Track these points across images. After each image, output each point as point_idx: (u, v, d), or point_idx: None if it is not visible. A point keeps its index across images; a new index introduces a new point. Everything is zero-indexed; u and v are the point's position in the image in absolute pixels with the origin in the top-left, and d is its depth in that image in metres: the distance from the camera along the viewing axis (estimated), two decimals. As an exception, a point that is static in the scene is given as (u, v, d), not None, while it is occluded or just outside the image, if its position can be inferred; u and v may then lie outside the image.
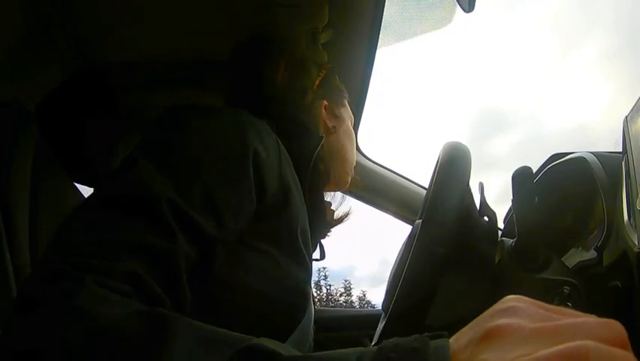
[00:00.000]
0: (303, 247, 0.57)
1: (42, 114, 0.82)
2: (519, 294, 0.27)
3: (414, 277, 0.59)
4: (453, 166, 0.65)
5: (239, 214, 0.49)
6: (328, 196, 0.85)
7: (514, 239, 0.68)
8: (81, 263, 0.38)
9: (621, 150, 0.63)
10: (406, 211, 1.36)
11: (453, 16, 0.95)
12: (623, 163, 0.61)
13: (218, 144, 0.50)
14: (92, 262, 0.38)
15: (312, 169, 0.64)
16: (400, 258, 0.85)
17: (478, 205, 0.72)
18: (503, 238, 0.71)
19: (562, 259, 0.70)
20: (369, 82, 1.05)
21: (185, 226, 0.44)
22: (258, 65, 0.72)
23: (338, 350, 0.31)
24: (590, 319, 0.23)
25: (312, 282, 0.67)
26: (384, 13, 0.88)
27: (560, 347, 0.21)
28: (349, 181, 0.82)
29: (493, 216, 0.71)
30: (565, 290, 0.62)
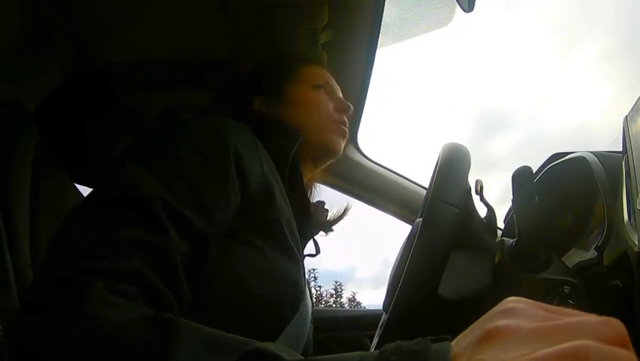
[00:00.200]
0: (290, 239, 0.59)
1: (42, 114, 0.82)
2: (519, 294, 0.27)
3: (414, 277, 0.59)
4: (452, 167, 0.65)
5: (226, 209, 0.51)
6: (321, 196, 0.87)
7: (514, 239, 0.68)
8: (86, 266, 0.39)
9: (621, 150, 0.63)
10: (406, 211, 1.36)
11: (453, 16, 0.95)
12: (623, 163, 0.61)
13: (200, 145, 0.53)
14: (96, 264, 0.40)
15: (290, 166, 0.67)
16: (400, 258, 0.85)
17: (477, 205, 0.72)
18: (503, 238, 0.71)
19: (562, 258, 0.70)
20: (369, 82, 1.05)
21: (178, 223, 0.46)
22: (242, 102, 0.78)
23: (340, 354, 0.31)
24: (590, 318, 0.23)
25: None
26: (384, 13, 0.88)
27: (559, 346, 0.21)
28: (334, 142, 0.77)
29: (491, 209, 0.71)
30: (565, 290, 0.61)
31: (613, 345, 0.21)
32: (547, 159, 0.83)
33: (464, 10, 0.77)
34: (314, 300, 0.79)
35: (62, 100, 0.85)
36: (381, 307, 0.79)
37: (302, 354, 0.58)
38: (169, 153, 0.51)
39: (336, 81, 1.02)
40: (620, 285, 0.58)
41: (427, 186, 0.90)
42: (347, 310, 2.97)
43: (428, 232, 0.60)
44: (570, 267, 0.67)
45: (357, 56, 0.97)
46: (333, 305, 11.40)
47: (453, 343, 0.27)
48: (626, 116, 0.64)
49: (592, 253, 0.65)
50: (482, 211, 0.74)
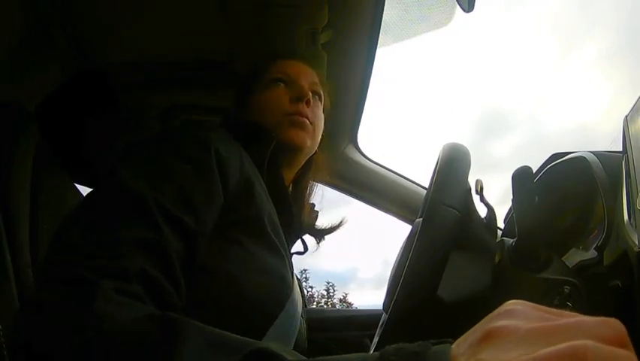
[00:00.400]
0: (273, 235, 0.61)
1: (42, 114, 0.82)
2: (519, 294, 0.27)
3: (414, 278, 0.59)
4: (452, 167, 0.65)
5: (211, 209, 0.54)
6: (312, 199, 0.87)
7: (514, 239, 0.68)
8: (92, 266, 0.40)
9: (620, 150, 0.63)
10: (406, 211, 1.36)
11: (453, 16, 0.95)
12: (623, 163, 0.61)
13: (186, 152, 0.56)
14: (101, 263, 0.41)
15: (268, 166, 0.68)
16: (400, 258, 0.85)
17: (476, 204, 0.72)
18: (503, 238, 0.71)
19: (562, 258, 0.70)
20: (369, 82, 1.05)
21: (171, 222, 0.48)
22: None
23: (341, 355, 0.31)
24: (589, 318, 0.23)
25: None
26: (385, 13, 0.88)
27: (558, 346, 0.21)
28: (290, 136, 0.73)
29: (491, 209, 0.71)
30: (565, 290, 0.61)
31: (612, 345, 0.21)
32: (547, 159, 0.83)
33: (464, 10, 0.78)
34: (305, 300, 0.79)
35: (62, 100, 0.85)
36: (372, 307, 0.79)
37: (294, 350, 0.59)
38: (159, 160, 0.55)
39: (336, 81, 1.02)
40: (620, 285, 0.58)
41: (427, 186, 0.90)
42: (347, 310, 2.97)
43: (428, 233, 0.60)
44: (570, 267, 0.67)
45: (357, 56, 0.97)
46: (325, 306, 11.41)
47: (454, 344, 0.27)
48: (626, 116, 0.64)
49: (592, 253, 0.65)
50: (482, 211, 0.74)
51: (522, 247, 0.66)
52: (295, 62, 0.80)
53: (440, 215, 0.60)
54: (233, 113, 0.81)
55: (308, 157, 0.81)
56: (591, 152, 0.72)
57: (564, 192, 0.79)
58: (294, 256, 0.80)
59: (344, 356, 0.31)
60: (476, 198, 0.72)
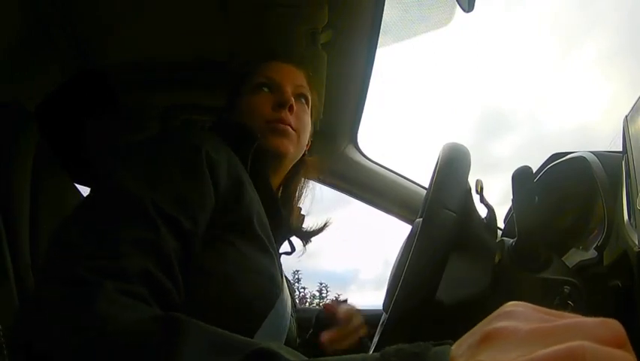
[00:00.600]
0: (262, 234, 0.61)
1: (42, 114, 0.82)
2: (519, 294, 0.27)
3: (414, 278, 0.59)
4: (452, 167, 0.65)
5: (205, 209, 0.55)
6: (300, 202, 0.87)
7: (514, 239, 0.68)
8: (93, 266, 0.41)
9: (619, 150, 0.63)
10: (406, 211, 1.36)
11: (453, 16, 0.95)
12: (623, 163, 0.61)
13: (179, 152, 0.57)
14: (102, 264, 0.41)
15: (252, 167, 0.69)
16: (400, 258, 0.85)
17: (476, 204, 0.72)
18: (503, 238, 0.71)
19: (562, 258, 0.70)
20: (369, 82, 1.05)
21: (168, 223, 0.49)
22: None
23: (342, 356, 0.32)
24: (588, 319, 0.23)
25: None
26: (385, 13, 0.88)
27: (557, 347, 0.21)
28: (272, 143, 0.73)
29: (491, 209, 0.71)
30: (565, 290, 0.61)
31: (610, 346, 0.21)
32: (547, 159, 0.83)
33: (464, 10, 0.77)
34: (296, 301, 0.80)
35: (62, 100, 0.85)
36: (372, 307, 0.79)
37: None
38: (154, 161, 0.56)
39: (336, 81, 1.02)
40: (620, 285, 0.58)
41: (427, 186, 0.90)
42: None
43: (428, 233, 0.60)
44: (570, 267, 0.67)
45: (357, 56, 0.97)
46: (317, 308, 11.33)
47: (453, 346, 0.27)
48: (626, 116, 0.64)
49: (592, 253, 0.65)
50: (483, 211, 0.74)
51: (522, 247, 0.66)
52: (281, 65, 0.80)
53: (440, 216, 0.60)
54: (224, 114, 0.82)
55: (295, 162, 0.81)
56: (591, 152, 0.72)
57: (564, 192, 0.79)
58: (292, 256, 0.81)
59: (345, 356, 0.31)
60: (476, 199, 0.72)
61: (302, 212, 0.87)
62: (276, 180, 0.79)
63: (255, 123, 0.73)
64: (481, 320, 0.27)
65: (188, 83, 0.99)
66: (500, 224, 0.94)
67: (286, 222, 0.77)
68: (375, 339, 0.70)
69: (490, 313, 0.27)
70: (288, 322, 0.66)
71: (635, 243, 0.52)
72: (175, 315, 0.37)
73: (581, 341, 0.21)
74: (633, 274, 0.54)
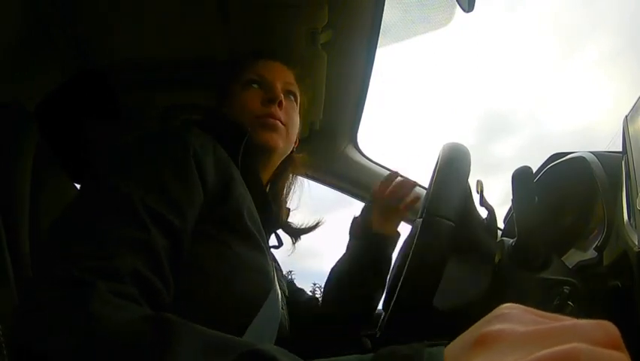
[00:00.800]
0: (253, 229, 0.62)
1: (42, 114, 0.82)
2: (519, 294, 0.27)
3: (413, 278, 0.59)
4: (452, 167, 0.65)
5: (193, 207, 0.55)
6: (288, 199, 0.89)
7: (514, 239, 0.68)
8: (85, 266, 0.41)
9: (619, 150, 0.63)
10: (406, 211, 1.36)
11: (453, 16, 0.95)
12: (623, 163, 0.61)
13: (166, 150, 0.58)
14: (95, 264, 0.42)
15: (242, 161, 0.69)
16: (401, 258, 0.85)
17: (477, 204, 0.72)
18: (503, 238, 0.71)
19: (562, 258, 0.70)
20: (369, 82, 1.05)
21: (157, 221, 0.49)
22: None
23: (336, 357, 0.32)
24: (582, 321, 0.23)
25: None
26: (385, 13, 0.88)
27: (552, 349, 0.21)
28: (261, 138, 0.74)
29: (491, 209, 0.71)
30: (565, 290, 0.61)
31: (605, 348, 0.21)
32: (547, 159, 0.83)
33: (464, 11, 0.77)
34: (286, 292, 0.80)
35: (62, 100, 0.85)
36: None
37: (276, 342, 0.62)
38: (142, 161, 0.56)
39: (336, 81, 1.02)
40: (619, 285, 0.58)
41: (427, 186, 0.90)
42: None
43: (428, 232, 0.60)
44: (570, 267, 0.67)
45: (357, 56, 0.97)
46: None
47: (446, 348, 0.27)
48: (626, 116, 0.64)
49: (592, 253, 0.65)
50: (483, 212, 0.74)
51: (522, 247, 0.66)
52: (271, 63, 0.81)
53: (440, 215, 0.60)
54: (211, 110, 0.83)
55: (283, 158, 0.83)
56: (591, 152, 0.72)
57: (564, 192, 0.79)
58: (290, 256, 0.82)
59: (339, 358, 0.31)
60: (476, 199, 0.72)
61: (288, 205, 0.89)
62: (265, 176, 0.80)
63: (245, 118, 0.75)
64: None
65: (188, 83, 0.99)
66: (500, 224, 0.94)
67: (276, 216, 0.79)
68: (375, 339, 0.70)
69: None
70: (280, 314, 0.67)
71: (634, 243, 0.52)
72: (166, 315, 0.37)
73: (577, 343, 0.21)
74: (633, 274, 0.54)
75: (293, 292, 0.86)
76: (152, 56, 0.93)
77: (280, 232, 0.84)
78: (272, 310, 0.62)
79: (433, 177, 0.77)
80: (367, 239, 0.87)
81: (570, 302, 0.61)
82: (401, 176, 0.90)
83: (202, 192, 0.57)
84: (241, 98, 0.77)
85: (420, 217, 0.77)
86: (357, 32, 0.91)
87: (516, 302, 0.27)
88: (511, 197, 0.66)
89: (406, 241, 0.87)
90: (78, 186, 0.92)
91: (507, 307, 0.26)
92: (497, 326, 0.24)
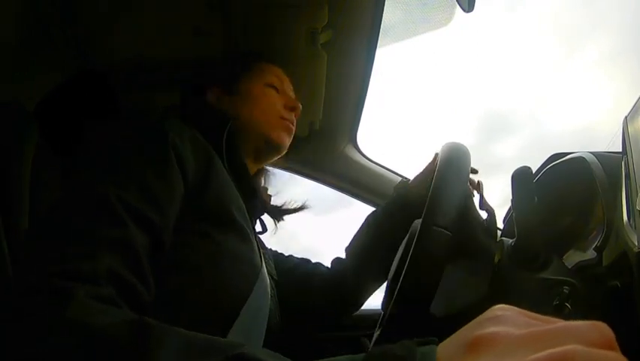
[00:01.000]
0: (237, 216, 0.62)
1: (42, 114, 0.82)
2: (518, 294, 0.27)
3: (413, 278, 0.59)
4: (452, 166, 0.65)
5: (174, 201, 0.55)
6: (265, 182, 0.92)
7: (514, 239, 0.68)
8: (62, 271, 0.40)
9: (619, 150, 0.63)
10: (406, 211, 1.36)
11: (453, 16, 0.95)
12: (622, 163, 0.61)
13: (144, 145, 0.57)
14: (71, 268, 0.41)
15: (228, 150, 0.70)
16: (400, 257, 0.85)
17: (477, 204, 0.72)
18: (503, 238, 0.71)
19: (561, 259, 0.70)
20: (369, 82, 1.05)
21: (135, 218, 0.48)
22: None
23: (328, 358, 0.31)
24: (577, 323, 0.23)
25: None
26: (385, 13, 0.88)
27: (548, 351, 0.21)
28: (279, 137, 0.81)
29: (491, 211, 0.71)
30: (564, 290, 0.61)
31: (601, 348, 0.21)
32: (547, 160, 0.83)
33: (464, 11, 0.77)
34: (275, 278, 0.81)
35: (62, 100, 0.85)
36: (371, 307, 0.79)
37: (266, 332, 0.62)
38: (118, 156, 0.55)
39: (336, 81, 1.02)
40: (619, 285, 0.58)
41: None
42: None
43: (427, 232, 0.60)
44: (569, 267, 0.67)
45: (357, 56, 0.97)
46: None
47: (439, 349, 0.27)
48: (626, 117, 0.64)
49: (591, 254, 0.65)
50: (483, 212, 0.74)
51: (521, 247, 0.66)
52: (282, 71, 0.87)
53: (440, 214, 0.60)
54: (190, 99, 0.85)
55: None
56: (591, 152, 0.72)
57: (564, 192, 0.79)
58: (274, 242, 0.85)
59: (332, 358, 0.31)
60: (476, 200, 0.72)
61: (269, 192, 0.91)
62: (253, 167, 0.84)
63: (269, 117, 0.80)
64: None
65: (188, 83, 0.99)
66: (500, 224, 0.94)
67: (262, 203, 0.82)
68: (374, 339, 0.70)
69: None
70: (269, 304, 0.66)
71: (634, 243, 0.52)
72: (147, 319, 0.37)
73: (572, 344, 0.21)
74: (632, 274, 0.54)
75: (282, 266, 0.87)
76: (152, 56, 0.93)
77: (265, 216, 0.87)
78: (260, 300, 0.62)
79: (432, 177, 0.77)
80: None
81: (569, 303, 0.61)
82: None
83: (182, 183, 0.56)
84: (266, 97, 0.81)
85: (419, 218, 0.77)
86: (357, 32, 0.91)
87: (515, 302, 0.27)
88: (510, 197, 0.66)
89: (405, 242, 0.87)
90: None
91: (500, 309, 0.26)
92: (491, 329, 0.24)
